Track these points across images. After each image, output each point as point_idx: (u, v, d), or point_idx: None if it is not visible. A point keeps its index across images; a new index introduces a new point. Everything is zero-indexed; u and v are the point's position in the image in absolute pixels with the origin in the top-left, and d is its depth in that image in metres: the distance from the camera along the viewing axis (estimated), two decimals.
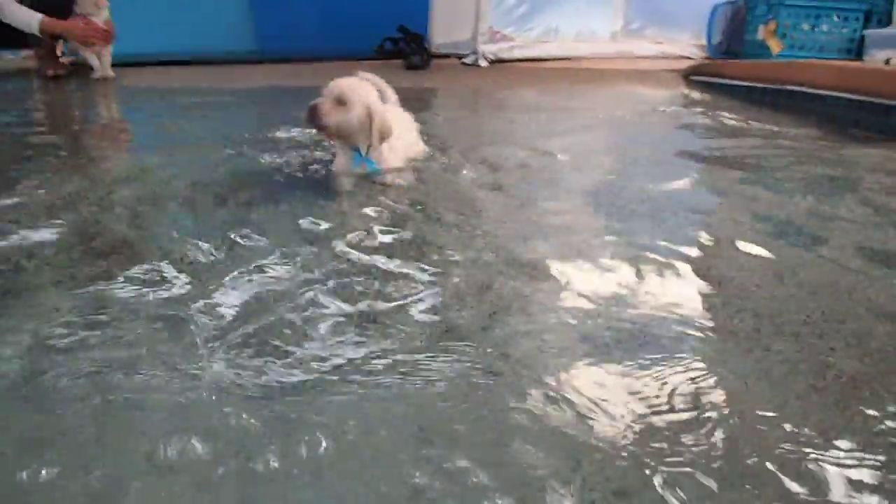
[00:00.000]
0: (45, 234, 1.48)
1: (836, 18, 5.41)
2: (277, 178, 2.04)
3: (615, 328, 1.09)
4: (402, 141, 2.10)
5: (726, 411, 0.87)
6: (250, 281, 1.25)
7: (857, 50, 5.30)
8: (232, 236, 1.48)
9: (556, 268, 1.33)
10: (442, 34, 6.04)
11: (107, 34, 4.40)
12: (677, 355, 1.01)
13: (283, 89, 4.31)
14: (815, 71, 3.96)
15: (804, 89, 3.90)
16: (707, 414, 0.86)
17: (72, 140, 2.75)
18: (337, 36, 6.45)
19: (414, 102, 2.78)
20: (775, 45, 5.64)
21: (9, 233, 1.48)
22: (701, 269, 1.34)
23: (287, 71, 5.28)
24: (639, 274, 1.31)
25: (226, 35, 6.73)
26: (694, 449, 0.79)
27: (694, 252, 1.43)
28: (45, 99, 3.88)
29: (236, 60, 5.84)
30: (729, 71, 4.67)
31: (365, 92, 1.88)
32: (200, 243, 1.43)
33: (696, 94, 4.34)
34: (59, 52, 4.71)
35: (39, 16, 4.07)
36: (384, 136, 1.90)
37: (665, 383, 0.93)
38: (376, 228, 1.55)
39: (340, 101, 1.84)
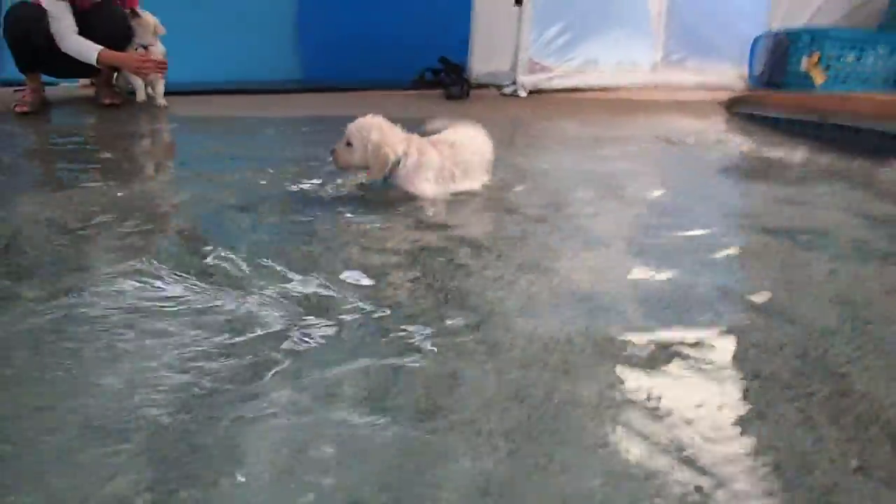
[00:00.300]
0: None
1: (880, 51, 5.33)
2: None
3: None
4: (450, 171, 2.32)
5: None
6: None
7: None
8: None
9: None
10: (481, 64, 6.12)
11: (161, 64, 4.59)
12: None
13: (325, 118, 4.42)
14: (862, 103, 3.91)
15: (850, 122, 3.86)
16: None
17: (126, 158, 2.88)
18: (378, 66, 6.59)
19: None
20: (819, 77, 5.57)
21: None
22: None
23: (329, 100, 5.41)
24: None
25: (273, 64, 6.94)
26: None
27: None
28: (103, 124, 4.06)
29: (281, 90, 6.00)
30: (772, 102, 4.64)
31: (367, 132, 2.20)
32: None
33: (737, 126, 4.32)
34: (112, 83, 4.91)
35: (99, 48, 4.27)
36: (382, 168, 2.21)
37: None
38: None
39: (349, 143, 2.23)
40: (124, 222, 1.94)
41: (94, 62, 4.31)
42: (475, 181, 2.42)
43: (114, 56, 4.37)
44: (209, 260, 1.63)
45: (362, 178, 2.40)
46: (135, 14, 4.51)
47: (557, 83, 5.72)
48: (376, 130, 2.21)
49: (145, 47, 4.50)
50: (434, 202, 2.25)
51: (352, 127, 2.24)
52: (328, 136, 3.57)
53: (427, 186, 2.29)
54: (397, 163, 2.23)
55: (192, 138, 3.75)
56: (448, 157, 2.32)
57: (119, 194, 2.28)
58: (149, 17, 4.56)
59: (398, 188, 2.30)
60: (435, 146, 2.34)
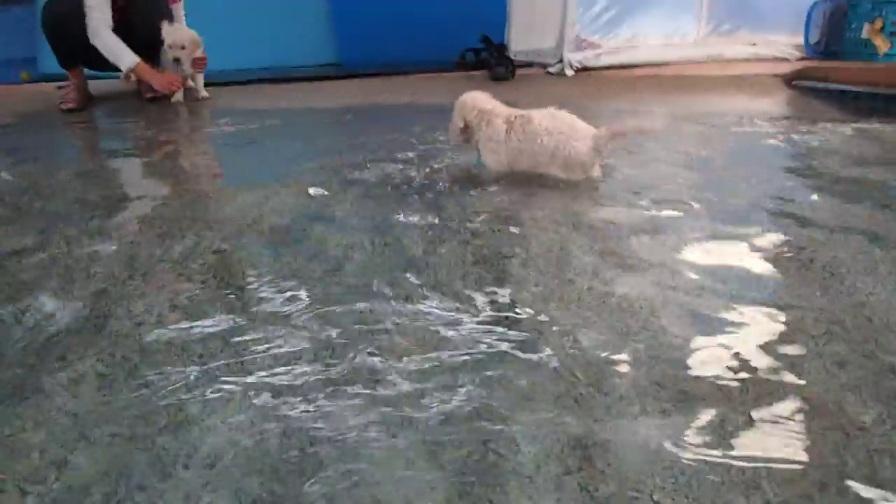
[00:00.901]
0: None
1: None
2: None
3: None
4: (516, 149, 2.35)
5: None
6: None
7: None
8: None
9: None
10: (520, 42, 5.94)
11: (201, 62, 4.55)
12: None
13: (366, 109, 4.30)
14: None
15: None
16: None
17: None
18: (417, 48, 6.44)
19: None
20: (882, 44, 5.30)
21: None
22: None
23: (369, 87, 5.29)
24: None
25: (308, 50, 6.84)
26: None
27: None
28: (149, 115, 4.03)
29: (317, 76, 5.90)
30: (838, 75, 4.38)
31: (459, 108, 2.41)
32: None
33: (797, 104, 4.09)
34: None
35: (136, 59, 4.22)
36: (469, 139, 2.45)
37: None
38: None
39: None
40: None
41: (124, 69, 4.26)
42: (551, 168, 2.32)
43: (147, 72, 4.31)
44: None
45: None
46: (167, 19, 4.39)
47: (605, 60, 5.51)
48: (470, 109, 2.38)
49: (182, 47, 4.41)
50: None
51: (456, 103, 2.43)
52: (374, 125, 3.52)
53: (490, 158, 2.40)
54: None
55: (253, 137, 3.68)
56: (518, 134, 2.30)
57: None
58: (180, 34, 4.40)
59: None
60: (510, 121, 2.33)
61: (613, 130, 2.25)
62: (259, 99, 4.81)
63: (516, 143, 2.30)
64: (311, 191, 2.29)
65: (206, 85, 4.79)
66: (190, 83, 4.73)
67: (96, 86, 4.73)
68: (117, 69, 4.41)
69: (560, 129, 2.25)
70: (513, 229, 1.88)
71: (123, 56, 4.23)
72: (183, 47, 4.36)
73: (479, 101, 2.40)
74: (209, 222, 2.00)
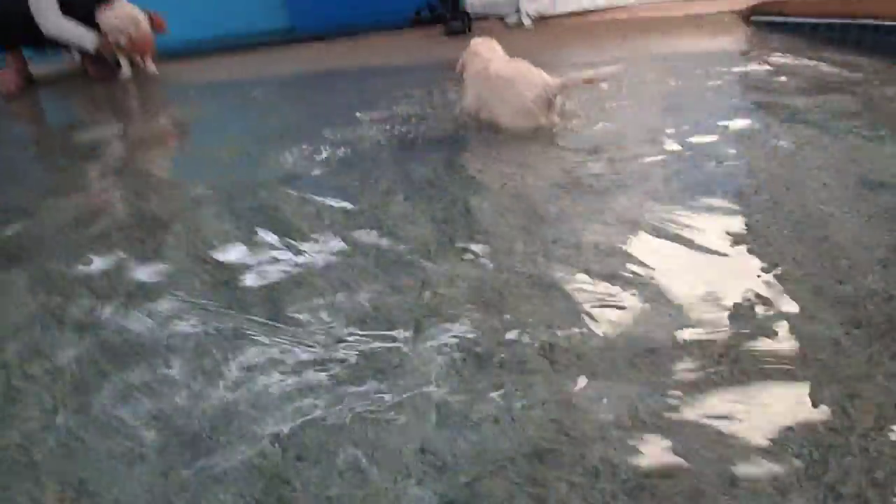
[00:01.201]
0: None
1: None
2: None
3: None
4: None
5: None
6: None
7: None
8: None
9: None
10: None
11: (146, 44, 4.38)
12: None
13: (324, 74, 4.19)
14: (888, 3, 3.66)
15: (879, 22, 3.62)
16: None
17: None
18: (372, 7, 6.26)
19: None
20: None
21: None
22: None
23: (323, 51, 5.16)
24: None
25: (257, 14, 6.61)
26: None
27: None
28: (98, 98, 3.88)
29: (269, 42, 5.72)
30: (792, 8, 4.36)
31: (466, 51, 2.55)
32: None
33: (755, 39, 4.08)
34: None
35: (96, 35, 4.04)
36: None
37: None
38: None
39: None
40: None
41: (90, 49, 4.08)
42: (503, 118, 2.35)
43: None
44: None
45: None
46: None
47: (561, 7, 5.40)
48: (470, 48, 2.50)
49: None
50: None
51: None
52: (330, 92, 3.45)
53: (463, 99, 2.54)
54: None
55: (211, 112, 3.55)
56: (481, 78, 2.39)
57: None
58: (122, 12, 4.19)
59: None
60: (480, 66, 2.41)
61: (564, 81, 2.27)
62: (210, 71, 4.67)
63: (479, 88, 2.39)
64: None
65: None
66: (139, 61, 4.55)
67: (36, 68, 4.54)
68: (60, 49, 4.24)
69: (511, 75, 2.27)
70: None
71: (84, 38, 4.05)
72: (122, 31, 4.19)
73: (478, 46, 2.50)
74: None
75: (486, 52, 2.46)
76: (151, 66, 4.56)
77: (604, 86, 2.88)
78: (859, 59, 3.20)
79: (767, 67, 3.14)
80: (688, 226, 1.56)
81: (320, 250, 1.58)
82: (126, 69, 4.38)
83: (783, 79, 2.91)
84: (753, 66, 3.21)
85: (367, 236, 1.63)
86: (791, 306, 1.21)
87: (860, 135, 2.06)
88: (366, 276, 1.45)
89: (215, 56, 5.31)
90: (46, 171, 2.59)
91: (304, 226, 1.72)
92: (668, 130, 2.27)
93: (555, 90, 2.27)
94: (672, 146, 2.12)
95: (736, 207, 1.64)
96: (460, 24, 5.20)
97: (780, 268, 1.33)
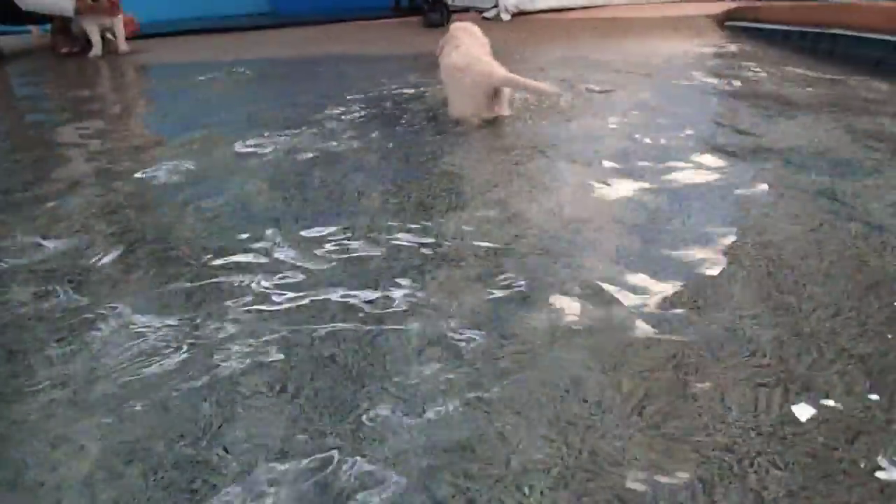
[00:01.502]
0: None
1: None
2: None
3: None
4: None
5: None
6: None
7: None
8: None
9: None
10: None
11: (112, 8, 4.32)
12: None
13: (298, 61, 4.16)
14: (859, 13, 3.72)
15: (848, 32, 3.68)
16: None
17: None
18: None
19: (435, 68, 2.65)
20: None
21: None
22: None
23: (303, 36, 5.12)
24: None
25: None
26: None
27: None
28: (69, 75, 3.81)
29: (249, 26, 5.68)
30: (766, 15, 4.42)
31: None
32: None
33: (730, 43, 4.12)
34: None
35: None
36: None
37: None
38: None
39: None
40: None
41: (70, 13, 4.03)
42: (452, 107, 2.44)
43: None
44: None
45: None
46: None
47: (541, 3, 5.43)
48: (450, 32, 2.50)
49: None
50: None
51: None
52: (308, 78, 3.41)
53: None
54: None
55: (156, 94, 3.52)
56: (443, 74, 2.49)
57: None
58: None
59: None
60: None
61: (510, 79, 2.27)
62: (185, 52, 4.61)
63: (443, 73, 2.46)
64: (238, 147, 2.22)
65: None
66: (108, 35, 4.49)
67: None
68: (31, 22, 4.16)
69: (461, 64, 2.29)
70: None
71: (61, 3, 4.01)
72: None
73: (457, 31, 2.50)
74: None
75: (464, 37, 2.47)
76: (123, 45, 4.50)
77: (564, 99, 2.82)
78: (828, 66, 3.25)
79: (738, 73, 3.17)
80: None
81: None
82: (97, 47, 4.32)
83: (749, 88, 2.94)
84: (721, 67, 3.23)
85: None
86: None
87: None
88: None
89: (193, 36, 5.26)
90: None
91: None
92: (615, 129, 2.25)
93: (500, 83, 2.28)
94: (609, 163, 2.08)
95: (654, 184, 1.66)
96: (438, 17, 5.20)
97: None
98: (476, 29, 2.54)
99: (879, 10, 3.62)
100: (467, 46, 2.41)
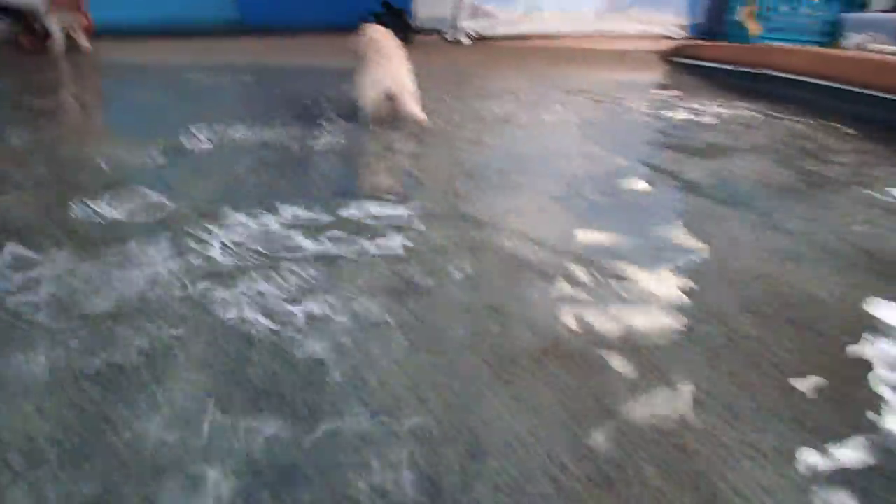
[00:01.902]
0: None
1: (815, 1, 5.45)
2: None
3: None
4: None
5: None
6: None
7: (834, 33, 5.36)
8: None
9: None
10: (426, 8, 6.00)
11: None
12: None
13: (258, 69, 4.27)
14: (792, 57, 4.01)
15: (782, 74, 3.95)
16: None
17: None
18: (319, 8, 6.38)
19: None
20: (754, 28, 5.69)
21: None
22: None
23: (271, 45, 5.24)
24: None
25: (206, 3, 6.63)
26: None
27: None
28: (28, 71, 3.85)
29: (216, 32, 5.77)
30: (707, 53, 4.71)
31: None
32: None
33: (671, 78, 4.38)
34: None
35: None
36: None
37: None
38: None
39: None
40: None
41: (41, 8, 4.08)
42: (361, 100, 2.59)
43: None
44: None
45: None
46: None
47: (501, 30, 5.66)
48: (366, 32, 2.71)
49: None
50: None
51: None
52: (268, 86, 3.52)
53: None
54: None
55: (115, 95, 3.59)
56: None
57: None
58: None
59: None
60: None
61: (390, 93, 2.47)
62: (147, 53, 4.68)
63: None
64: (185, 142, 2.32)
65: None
66: (71, 33, 4.54)
67: None
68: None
69: (366, 70, 2.49)
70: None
71: None
72: None
73: (373, 32, 2.74)
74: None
75: (379, 37, 2.68)
76: (84, 42, 4.56)
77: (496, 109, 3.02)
78: (761, 103, 3.48)
79: (673, 105, 3.38)
80: None
81: None
82: (60, 43, 4.37)
83: (681, 119, 3.15)
84: (658, 99, 3.45)
85: None
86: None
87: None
88: None
89: (156, 39, 5.32)
90: None
91: None
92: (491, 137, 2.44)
93: (391, 91, 2.46)
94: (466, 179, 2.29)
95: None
96: (401, 36, 5.36)
97: None
98: (389, 34, 2.80)
99: (805, 54, 3.91)
100: (387, 51, 2.61)
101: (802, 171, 2.23)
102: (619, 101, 3.40)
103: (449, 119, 2.79)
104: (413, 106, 2.49)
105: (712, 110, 3.25)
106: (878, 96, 3.10)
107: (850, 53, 4.22)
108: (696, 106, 3.36)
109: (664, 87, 4.00)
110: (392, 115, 2.53)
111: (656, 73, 4.55)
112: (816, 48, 4.57)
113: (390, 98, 2.46)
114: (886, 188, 2.03)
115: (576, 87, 3.81)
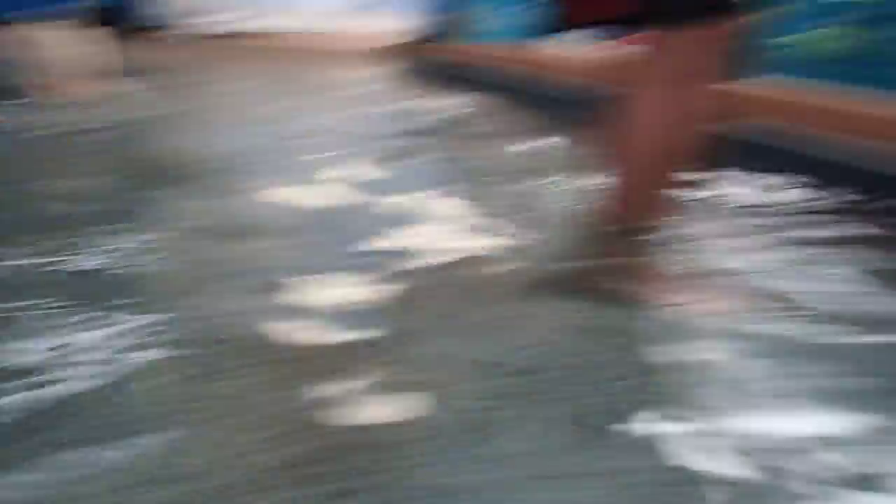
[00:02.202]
0: None
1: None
2: None
3: None
4: None
5: None
6: None
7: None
8: None
9: None
10: (151, 4, 5.72)
11: None
12: None
13: None
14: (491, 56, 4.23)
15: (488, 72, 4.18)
16: None
17: None
18: None
19: None
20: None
21: None
22: None
23: None
24: None
25: None
26: None
27: None
28: None
29: None
30: (426, 51, 5.00)
31: None
32: None
33: (386, 75, 4.56)
34: None
35: None
36: None
37: None
38: None
39: None
40: None
41: None
42: None
43: None
44: None
45: None
46: None
47: (224, 27, 5.57)
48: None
49: None
50: None
51: None
52: None
53: None
54: None
55: None
56: None
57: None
58: None
59: None
60: None
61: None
62: None
63: None
64: None
65: None
66: None
67: None
68: None
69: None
70: None
71: None
72: None
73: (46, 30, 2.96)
74: None
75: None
76: None
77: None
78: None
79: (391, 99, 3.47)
80: None
81: None
82: None
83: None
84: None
85: None
86: None
87: None
88: None
89: None
90: None
91: None
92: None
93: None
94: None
95: None
96: (120, 32, 5.09)
97: None
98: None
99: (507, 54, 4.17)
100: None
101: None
102: (331, 97, 3.44)
103: None
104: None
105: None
106: None
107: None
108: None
109: (378, 81, 4.10)
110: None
111: (371, 71, 4.70)
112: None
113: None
114: None
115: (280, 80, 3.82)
